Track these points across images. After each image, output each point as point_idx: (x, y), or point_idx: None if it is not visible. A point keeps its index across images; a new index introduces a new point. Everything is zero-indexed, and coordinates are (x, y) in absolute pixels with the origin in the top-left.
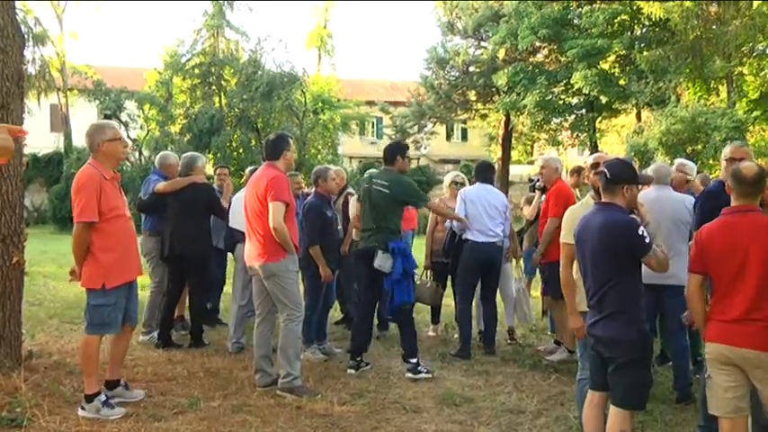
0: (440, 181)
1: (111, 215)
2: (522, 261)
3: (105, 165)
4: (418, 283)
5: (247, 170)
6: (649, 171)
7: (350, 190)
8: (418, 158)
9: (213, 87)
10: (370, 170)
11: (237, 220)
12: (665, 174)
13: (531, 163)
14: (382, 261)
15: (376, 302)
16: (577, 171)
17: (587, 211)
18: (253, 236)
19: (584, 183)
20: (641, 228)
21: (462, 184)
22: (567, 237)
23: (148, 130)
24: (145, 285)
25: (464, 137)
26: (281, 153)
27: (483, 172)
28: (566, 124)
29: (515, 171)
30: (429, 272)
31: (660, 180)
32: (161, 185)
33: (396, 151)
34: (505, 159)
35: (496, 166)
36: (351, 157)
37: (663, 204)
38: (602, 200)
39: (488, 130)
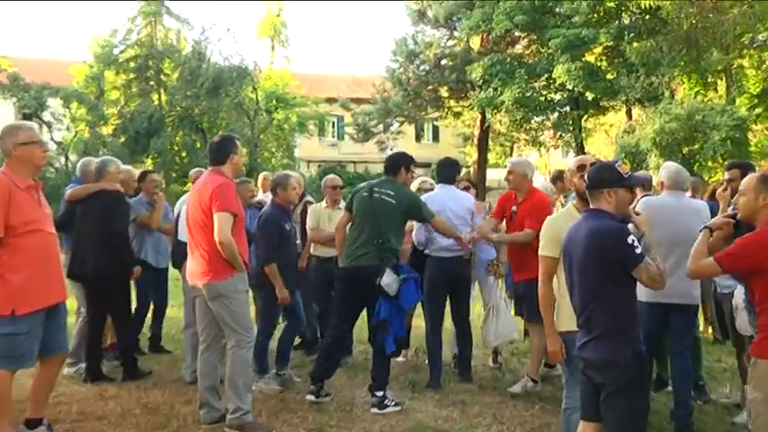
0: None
1: (26, 230)
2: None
3: (20, 172)
4: None
5: (192, 172)
6: (662, 175)
7: (308, 198)
8: (383, 162)
9: (151, 83)
10: (370, 181)
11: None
12: (680, 179)
13: None
14: (390, 280)
15: (353, 327)
16: (559, 176)
17: (575, 221)
18: (196, 251)
19: (568, 188)
20: (631, 236)
21: (430, 191)
22: (546, 249)
23: (76, 132)
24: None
25: (435, 137)
26: (227, 157)
27: (444, 170)
28: (548, 123)
29: (493, 175)
30: None
31: (674, 185)
32: (69, 193)
33: (400, 162)
34: (482, 162)
35: (472, 170)
36: (309, 161)
37: (674, 213)
38: (589, 207)
39: (462, 130)
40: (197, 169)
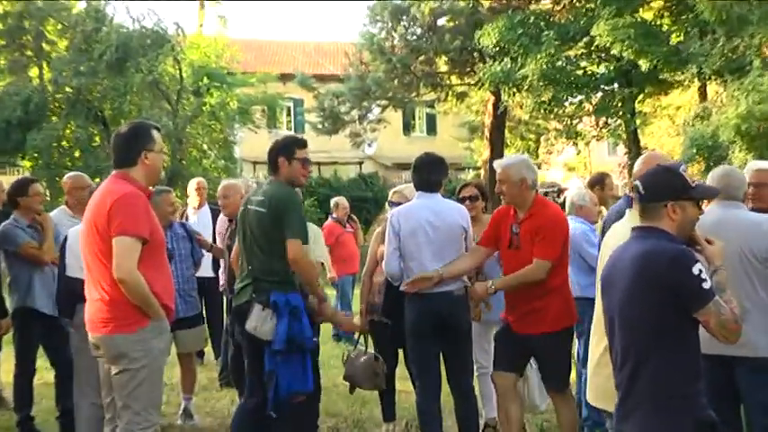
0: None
1: None
2: None
3: None
4: (351, 355)
5: (67, 179)
6: (711, 179)
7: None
8: (360, 162)
9: (28, 53)
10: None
11: (77, 264)
12: (732, 184)
13: (536, 167)
14: (258, 321)
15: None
16: (599, 181)
17: (619, 244)
18: (93, 290)
19: (612, 197)
20: (698, 265)
21: (399, 204)
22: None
23: None
24: None
25: (431, 128)
26: (138, 155)
27: (424, 172)
28: (588, 106)
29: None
30: (364, 337)
31: (726, 193)
32: None
33: (278, 152)
34: None
35: (482, 174)
36: (255, 162)
37: (727, 231)
38: (641, 224)
39: (468, 118)
40: (74, 175)
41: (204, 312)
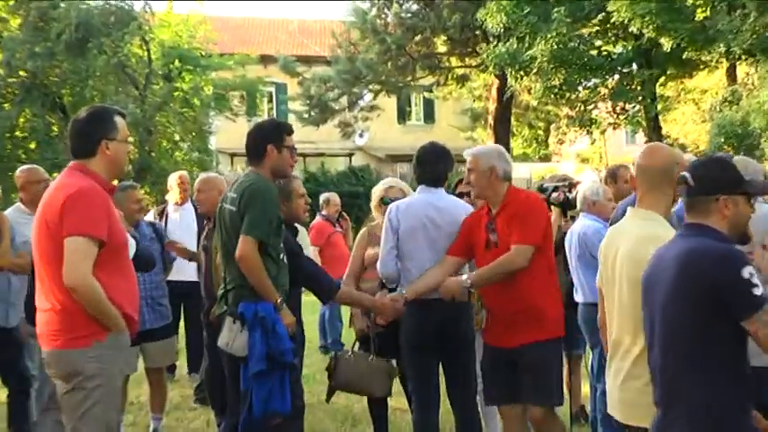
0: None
1: None
2: None
3: None
4: (347, 356)
5: (19, 172)
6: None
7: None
8: (350, 154)
9: None
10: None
11: None
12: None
13: (546, 158)
14: (230, 336)
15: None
16: (612, 174)
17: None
18: (44, 299)
19: (630, 189)
20: (749, 268)
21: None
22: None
23: None
24: None
25: (429, 116)
26: (97, 144)
27: (427, 164)
28: (604, 90)
29: (518, 173)
30: (372, 341)
31: None
32: None
33: (266, 137)
34: None
35: None
36: (233, 155)
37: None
38: (687, 221)
39: (470, 104)
40: (28, 168)
41: (183, 320)
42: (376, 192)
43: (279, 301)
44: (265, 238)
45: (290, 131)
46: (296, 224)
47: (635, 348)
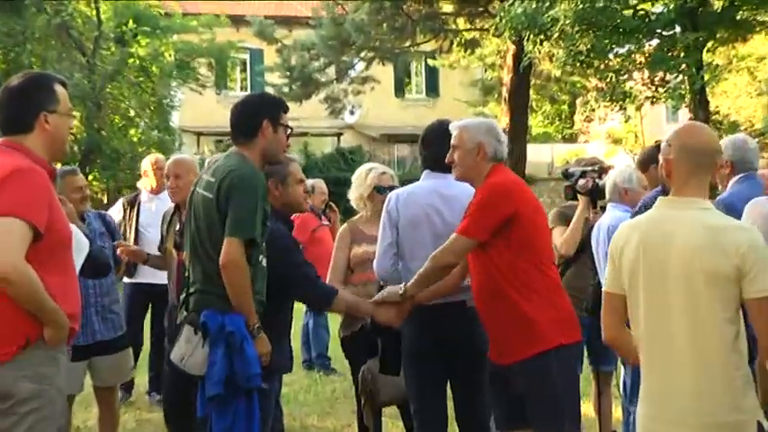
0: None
1: None
2: None
3: None
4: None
5: None
6: (727, 148)
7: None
8: (338, 134)
9: None
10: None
11: None
12: (749, 155)
13: (571, 139)
14: (187, 349)
15: None
16: (653, 157)
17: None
18: None
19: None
20: None
21: (393, 188)
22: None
23: None
24: None
25: (432, 88)
26: (33, 118)
27: (435, 145)
28: (640, 57)
29: (538, 156)
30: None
31: (741, 165)
32: None
33: (258, 110)
34: (518, 131)
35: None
36: (199, 133)
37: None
38: None
39: (481, 75)
40: None
41: (150, 330)
42: (362, 178)
43: (257, 326)
44: (257, 237)
45: (286, 109)
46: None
47: (714, 356)
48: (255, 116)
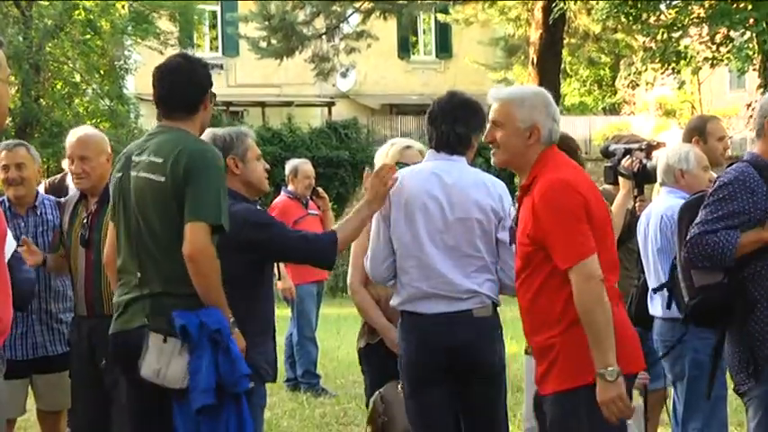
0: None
1: None
2: None
3: None
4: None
5: None
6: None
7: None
8: (329, 103)
9: None
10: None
11: None
12: None
13: (613, 110)
14: (162, 361)
15: None
16: (698, 129)
17: None
18: None
19: (723, 155)
20: None
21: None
22: None
23: None
24: None
25: (444, 47)
26: None
27: (446, 121)
28: (698, 10)
29: (573, 130)
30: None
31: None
32: None
33: (201, 79)
34: None
35: None
36: None
37: None
38: None
39: (504, 32)
40: None
41: None
42: (383, 155)
43: (231, 320)
44: (224, 222)
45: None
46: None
47: None
48: (200, 87)
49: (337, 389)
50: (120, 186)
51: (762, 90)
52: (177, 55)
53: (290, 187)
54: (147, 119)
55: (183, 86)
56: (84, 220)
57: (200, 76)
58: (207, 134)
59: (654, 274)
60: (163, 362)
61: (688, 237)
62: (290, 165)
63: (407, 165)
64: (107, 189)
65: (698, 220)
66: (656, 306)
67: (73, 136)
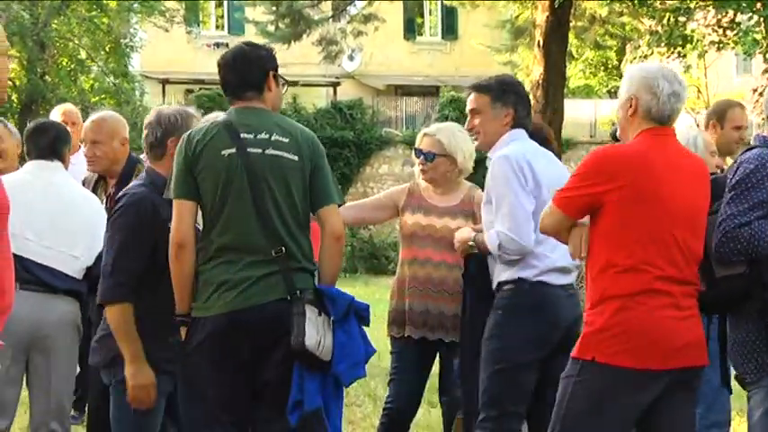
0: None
1: None
2: None
3: None
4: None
5: None
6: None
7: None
8: (335, 83)
9: None
10: (216, 115)
11: None
12: None
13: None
14: (317, 333)
15: None
16: (718, 113)
17: None
18: None
19: (741, 140)
20: None
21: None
22: None
23: None
24: None
25: (449, 29)
26: None
27: (521, 106)
28: None
29: (578, 113)
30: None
31: None
32: None
33: (263, 61)
34: (554, 84)
35: (532, 101)
36: (165, 81)
37: None
38: None
39: (510, 15)
40: None
41: None
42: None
43: None
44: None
45: None
46: None
47: None
48: (262, 66)
49: None
50: (237, 163)
51: None
52: (235, 47)
53: None
54: (152, 96)
55: (247, 66)
56: (104, 203)
57: (261, 54)
58: (153, 113)
59: None
60: (321, 334)
61: (721, 231)
62: None
63: (419, 149)
64: (125, 171)
65: (727, 212)
66: None
67: (88, 120)
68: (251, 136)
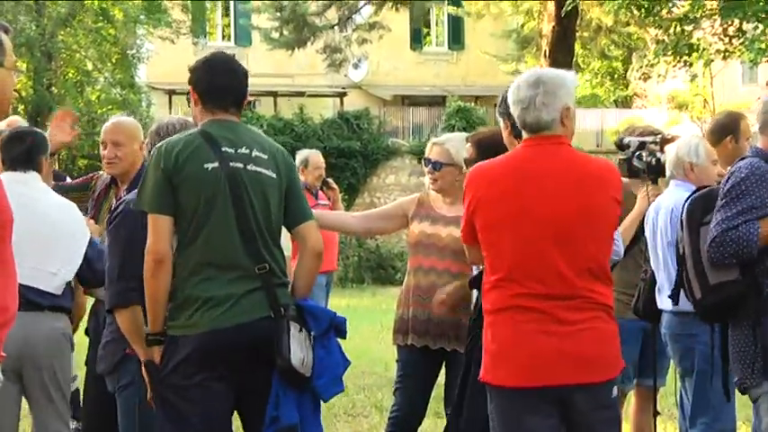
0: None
1: None
2: None
3: None
4: None
5: None
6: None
7: None
8: (341, 93)
9: None
10: (194, 131)
11: None
12: None
13: (625, 103)
14: (304, 350)
15: None
16: (731, 126)
17: None
18: None
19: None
20: None
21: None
22: None
23: None
24: None
25: (455, 39)
26: None
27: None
28: (711, 3)
29: (584, 123)
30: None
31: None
32: None
33: (246, 81)
34: None
35: None
36: (171, 92)
37: None
38: None
39: (516, 25)
40: None
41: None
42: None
43: None
44: None
45: None
46: None
47: None
48: (246, 85)
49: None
50: (220, 177)
51: None
52: (220, 52)
53: (301, 178)
54: (158, 107)
55: (243, 81)
56: (113, 207)
57: (246, 77)
58: (154, 123)
59: (664, 267)
60: (305, 351)
61: (710, 237)
62: (300, 155)
63: (428, 158)
64: (138, 177)
65: (717, 219)
66: (663, 300)
67: (109, 122)
68: (232, 150)
